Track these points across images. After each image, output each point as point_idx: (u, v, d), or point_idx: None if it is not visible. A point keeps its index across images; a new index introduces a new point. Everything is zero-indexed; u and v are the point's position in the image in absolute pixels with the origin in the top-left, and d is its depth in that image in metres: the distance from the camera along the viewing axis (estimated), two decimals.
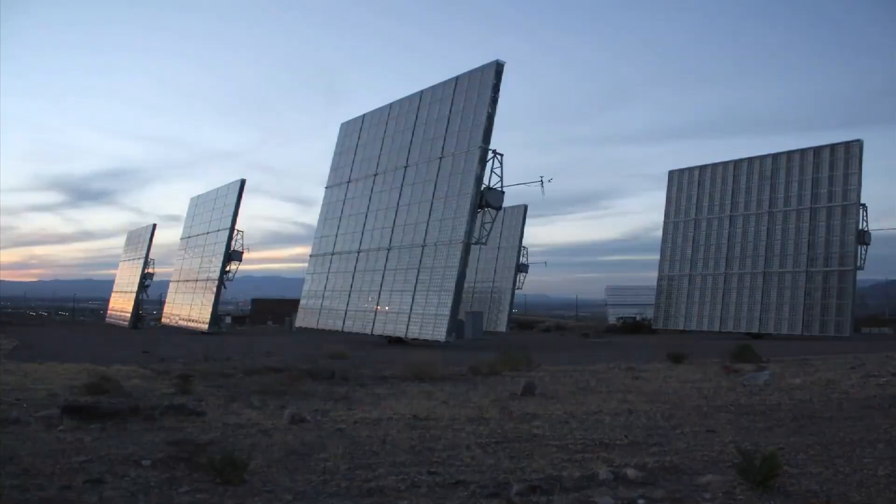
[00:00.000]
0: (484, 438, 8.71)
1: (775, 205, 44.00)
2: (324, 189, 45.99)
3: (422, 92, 38.53)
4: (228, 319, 69.59)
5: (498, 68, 32.65)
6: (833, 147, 41.88)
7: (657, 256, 50.63)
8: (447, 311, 30.80)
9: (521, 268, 54.56)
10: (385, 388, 14.87)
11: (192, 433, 8.88)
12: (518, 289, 55.25)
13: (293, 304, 57.02)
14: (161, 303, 73.89)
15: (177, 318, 55.58)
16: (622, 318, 62.42)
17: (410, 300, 33.41)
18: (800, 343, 35.28)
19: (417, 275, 33.63)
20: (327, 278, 41.96)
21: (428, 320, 31.79)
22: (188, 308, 53.54)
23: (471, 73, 34.49)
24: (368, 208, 40.06)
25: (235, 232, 50.32)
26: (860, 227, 39.97)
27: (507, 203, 34.71)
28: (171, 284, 60.32)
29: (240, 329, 63.35)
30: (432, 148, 35.83)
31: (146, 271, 63.85)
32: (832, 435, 8.76)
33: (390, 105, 41.37)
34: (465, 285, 35.58)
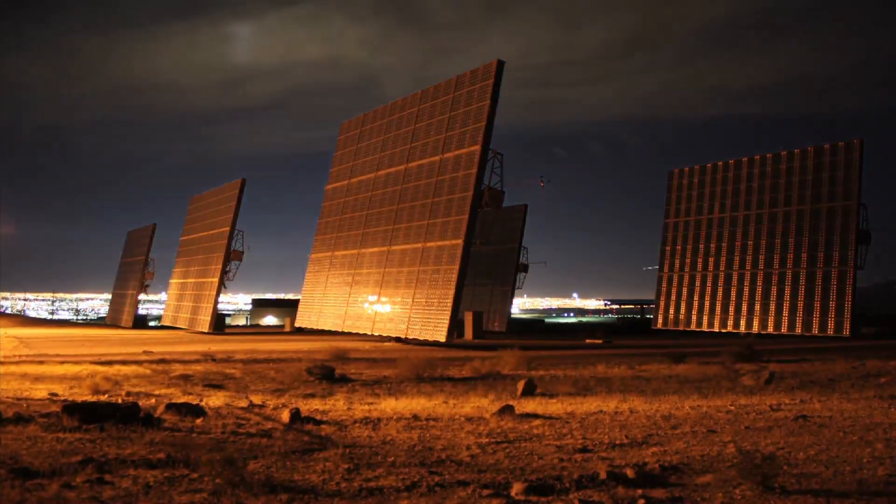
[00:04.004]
0: (484, 438, 8.71)
1: (775, 204, 44.01)
2: (324, 189, 46.07)
3: (423, 91, 38.54)
4: (228, 319, 69.69)
5: (499, 67, 32.64)
6: (833, 146, 41.90)
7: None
8: (447, 312, 30.78)
9: (521, 268, 54.54)
10: (385, 388, 14.89)
11: (192, 433, 8.88)
12: (518, 288, 55.28)
13: (293, 304, 57.07)
14: (161, 303, 73.93)
15: (177, 318, 55.60)
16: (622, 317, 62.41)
17: (410, 300, 33.41)
18: (800, 343, 35.29)
19: (417, 275, 33.63)
20: (327, 278, 41.97)
21: (428, 320, 31.79)
22: (188, 308, 53.54)
23: (472, 73, 34.50)
24: (368, 208, 40.06)
25: (236, 232, 50.29)
26: (860, 227, 39.98)
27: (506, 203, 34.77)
28: (172, 284, 60.33)
29: (240, 328, 63.42)
30: (433, 147, 35.84)
31: (146, 271, 63.85)
32: (832, 435, 8.76)
33: (391, 104, 41.38)
34: (465, 285, 35.57)
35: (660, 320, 49.50)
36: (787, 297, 42.08)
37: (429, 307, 32.06)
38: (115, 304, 70.52)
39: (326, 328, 40.30)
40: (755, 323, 43.24)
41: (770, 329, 42.32)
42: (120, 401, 11.68)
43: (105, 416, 9.02)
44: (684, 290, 48.27)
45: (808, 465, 7.06)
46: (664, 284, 49.74)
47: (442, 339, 30.47)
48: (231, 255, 50.09)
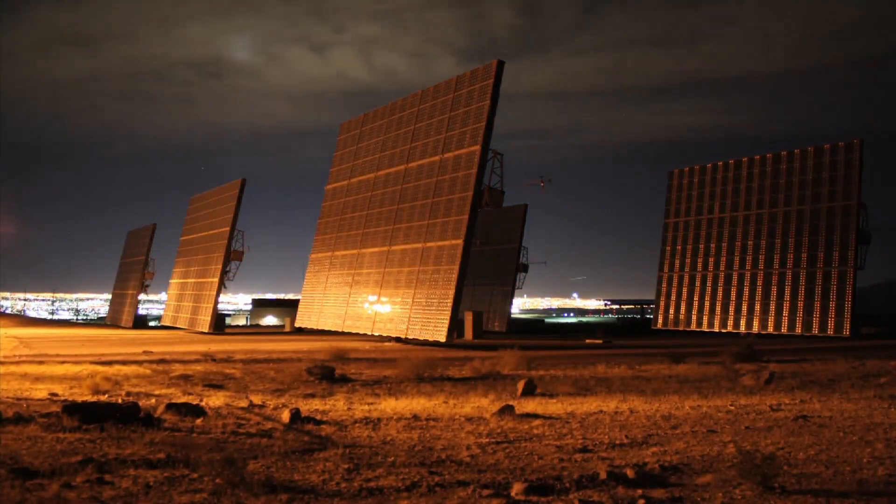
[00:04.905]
0: (484, 438, 8.71)
1: (775, 204, 44.03)
2: (324, 189, 46.08)
3: (423, 91, 38.54)
4: (228, 319, 69.68)
5: (499, 67, 32.64)
6: (833, 146, 41.90)
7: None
8: (447, 312, 30.79)
9: (521, 268, 54.55)
10: (385, 388, 14.89)
11: (192, 433, 8.88)
12: (518, 288, 55.30)
13: (293, 304, 57.06)
14: (161, 303, 73.87)
15: (177, 318, 55.60)
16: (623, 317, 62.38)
17: (410, 300, 33.42)
18: (800, 343, 35.30)
19: (417, 275, 33.64)
20: (327, 278, 41.97)
21: (428, 320, 31.80)
22: (188, 308, 53.55)
23: (472, 73, 34.51)
24: (369, 208, 40.07)
25: (236, 232, 50.26)
26: (860, 227, 39.99)
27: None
28: (172, 284, 60.34)
29: (240, 328, 63.41)
30: (433, 147, 35.85)
31: (146, 271, 63.86)
32: (832, 435, 8.76)
33: (391, 104, 41.39)
34: (465, 285, 35.57)
35: (660, 320, 49.50)
36: (787, 297, 42.08)
37: (429, 307, 32.07)
38: (115, 304, 70.52)
39: (326, 328, 40.31)
40: (755, 323, 43.24)
41: (770, 329, 42.32)
42: (120, 401, 11.69)
43: (105, 416, 9.03)
44: (684, 291, 48.27)
45: (808, 465, 7.06)
46: (664, 284, 49.74)
47: (442, 339, 30.48)
48: (231, 255, 50.06)
